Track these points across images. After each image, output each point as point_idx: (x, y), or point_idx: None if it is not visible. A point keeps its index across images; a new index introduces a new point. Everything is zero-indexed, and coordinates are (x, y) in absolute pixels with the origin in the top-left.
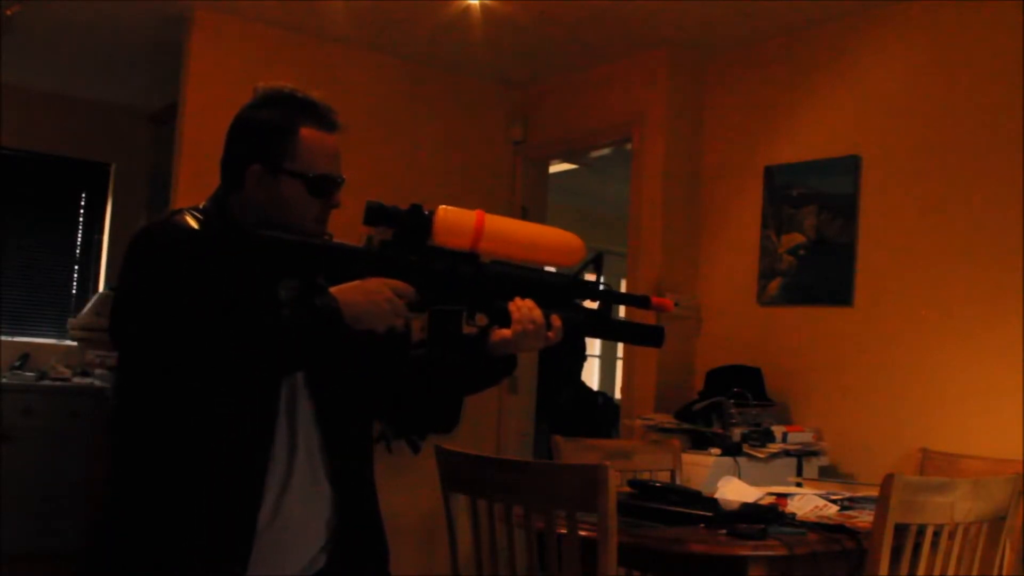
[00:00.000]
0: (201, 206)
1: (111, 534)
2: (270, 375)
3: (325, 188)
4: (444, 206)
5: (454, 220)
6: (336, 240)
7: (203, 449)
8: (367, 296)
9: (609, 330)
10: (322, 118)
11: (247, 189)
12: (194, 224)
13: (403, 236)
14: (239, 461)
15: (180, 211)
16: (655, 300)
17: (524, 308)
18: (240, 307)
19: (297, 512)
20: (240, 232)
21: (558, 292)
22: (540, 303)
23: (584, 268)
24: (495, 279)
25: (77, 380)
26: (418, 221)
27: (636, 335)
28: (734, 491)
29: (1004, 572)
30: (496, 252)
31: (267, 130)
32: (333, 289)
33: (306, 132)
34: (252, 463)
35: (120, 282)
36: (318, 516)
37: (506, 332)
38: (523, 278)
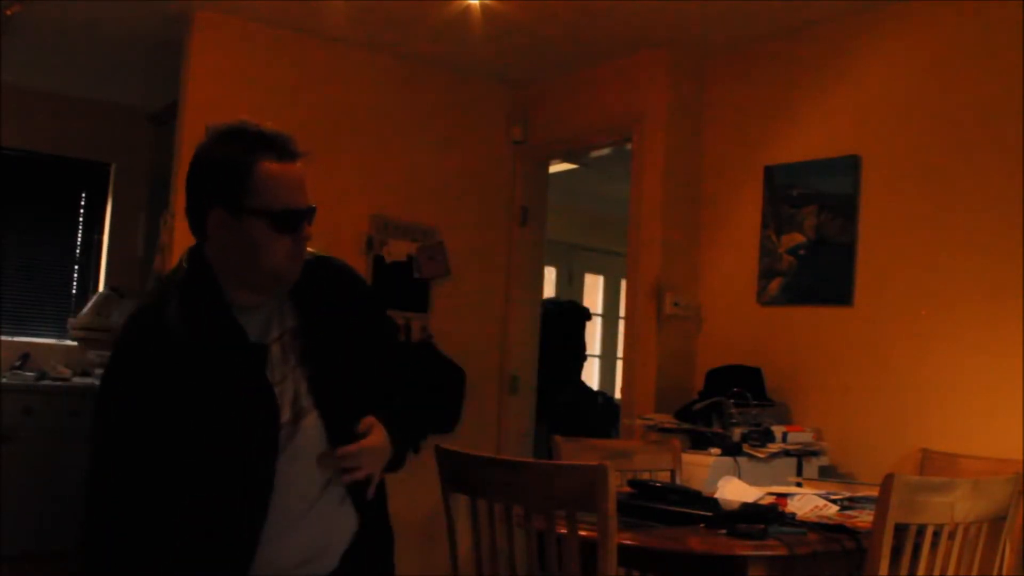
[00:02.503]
0: (184, 264)
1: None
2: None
3: (291, 222)
4: None
5: None
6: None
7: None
8: None
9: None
10: (280, 149)
11: (212, 236)
12: (177, 318)
13: None
14: (235, 510)
15: (164, 297)
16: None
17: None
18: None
19: (317, 530)
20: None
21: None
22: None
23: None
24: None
25: (77, 380)
26: None
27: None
28: (734, 491)
29: (1004, 572)
30: None
31: (223, 169)
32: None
33: (264, 166)
34: (250, 507)
35: (95, 408)
36: (340, 530)
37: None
38: None
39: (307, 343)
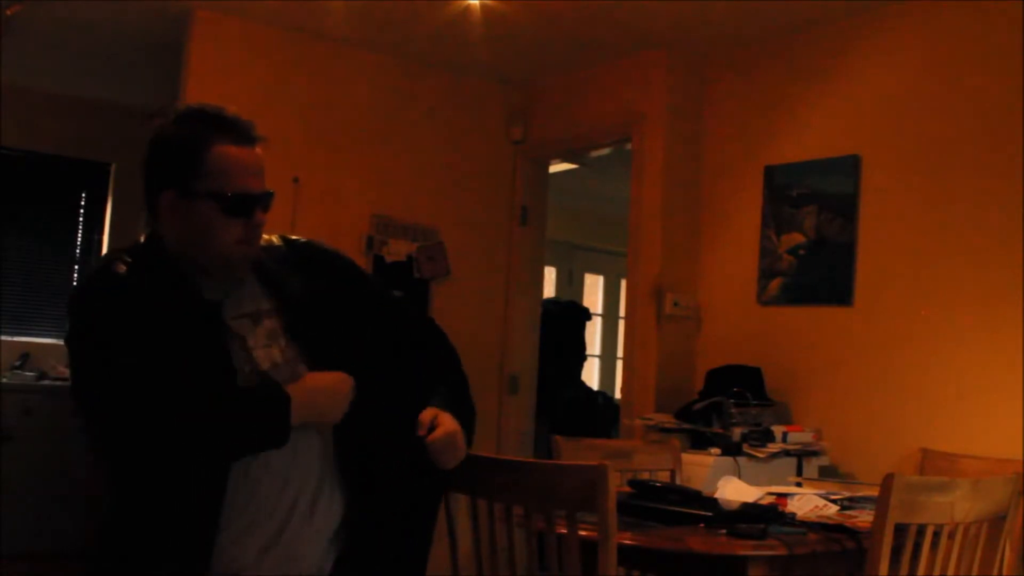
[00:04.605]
0: (140, 240)
1: (111, 536)
2: (213, 459)
3: (243, 206)
4: None
5: None
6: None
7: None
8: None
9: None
10: (237, 132)
11: (163, 218)
12: (124, 270)
13: None
14: (195, 490)
15: (112, 257)
16: None
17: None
18: (192, 397)
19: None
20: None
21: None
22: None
23: None
24: None
25: None
26: None
27: None
28: (734, 491)
29: (1004, 572)
30: None
31: (176, 149)
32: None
33: (218, 148)
34: (208, 486)
35: (69, 348)
36: (328, 523)
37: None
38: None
39: (289, 322)
